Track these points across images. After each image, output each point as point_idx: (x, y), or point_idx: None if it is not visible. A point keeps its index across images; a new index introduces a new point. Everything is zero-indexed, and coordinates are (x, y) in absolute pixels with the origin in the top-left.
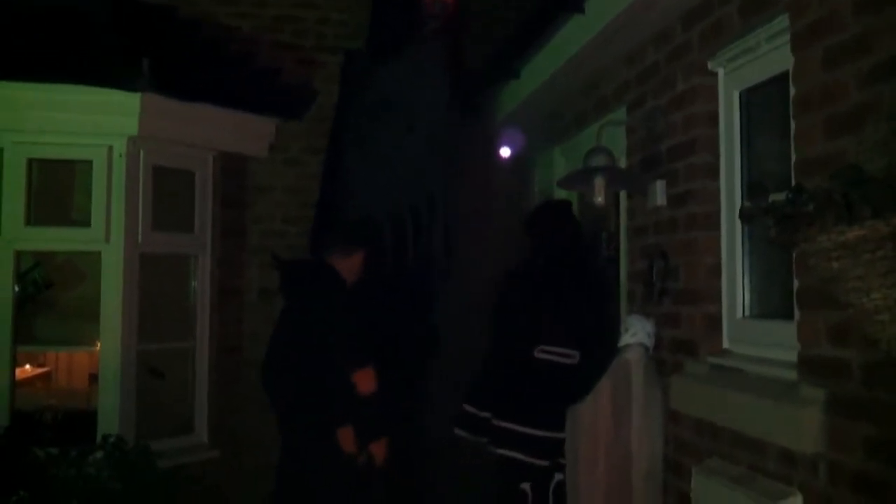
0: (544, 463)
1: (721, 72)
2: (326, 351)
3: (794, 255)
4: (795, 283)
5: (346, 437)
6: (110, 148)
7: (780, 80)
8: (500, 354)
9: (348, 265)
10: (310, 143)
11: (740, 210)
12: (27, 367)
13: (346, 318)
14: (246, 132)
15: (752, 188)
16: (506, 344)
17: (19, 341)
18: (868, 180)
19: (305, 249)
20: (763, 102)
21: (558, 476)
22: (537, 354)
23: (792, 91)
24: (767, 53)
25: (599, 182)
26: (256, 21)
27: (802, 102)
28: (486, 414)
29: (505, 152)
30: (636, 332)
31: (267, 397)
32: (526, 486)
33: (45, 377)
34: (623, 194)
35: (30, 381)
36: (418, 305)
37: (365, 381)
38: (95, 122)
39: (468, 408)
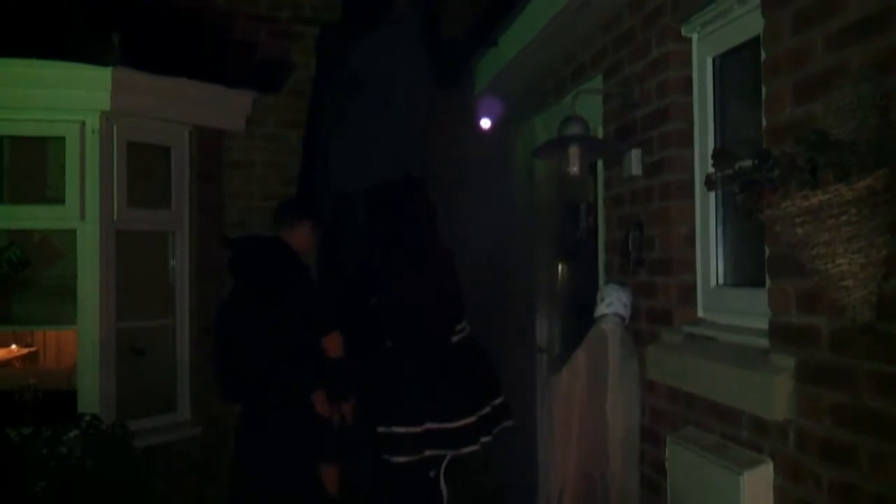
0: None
1: (695, 37)
2: (292, 321)
3: (763, 222)
4: (766, 251)
5: (320, 400)
6: (83, 124)
7: (753, 44)
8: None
9: (297, 238)
10: (288, 118)
11: (706, 177)
12: (13, 346)
13: (307, 286)
14: (222, 106)
15: (717, 155)
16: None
17: None
18: (832, 144)
19: None
20: (736, 68)
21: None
22: (454, 339)
23: (763, 55)
24: (740, 17)
25: (573, 152)
26: None
27: (772, 67)
28: (428, 426)
29: (485, 123)
30: (612, 302)
31: (219, 379)
32: (433, 472)
33: (31, 357)
34: (601, 164)
35: (11, 361)
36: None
37: (334, 346)
38: (67, 98)
39: (396, 430)
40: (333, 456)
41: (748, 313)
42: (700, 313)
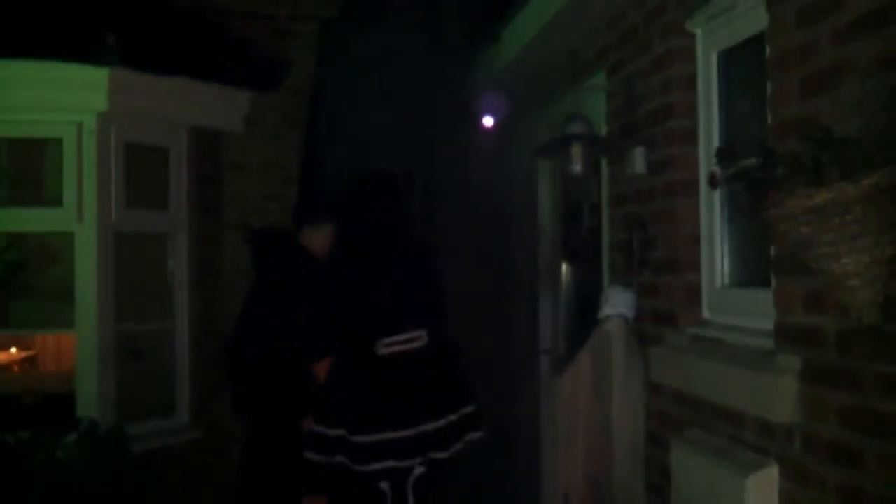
0: (415, 461)
1: (699, 32)
2: (291, 341)
3: (767, 221)
4: (771, 250)
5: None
6: (80, 125)
7: (758, 40)
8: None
9: (320, 239)
10: (287, 117)
11: (709, 176)
12: (13, 350)
13: (309, 312)
14: (220, 106)
15: (721, 153)
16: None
17: None
18: (838, 141)
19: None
20: (741, 64)
21: (419, 470)
22: (381, 351)
23: (767, 51)
24: (745, 13)
25: (576, 150)
26: None
27: (777, 63)
28: (338, 432)
29: (488, 121)
30: (616, 304)
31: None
32: (385, 485)
33: (31, 360)
34: (604, 162)
35: (10, 365)
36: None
37: (322, 372)
38: (63, 99)
39: (317, 428)
40: (319, 488)
41: (753, 314)
42: (705, 314)
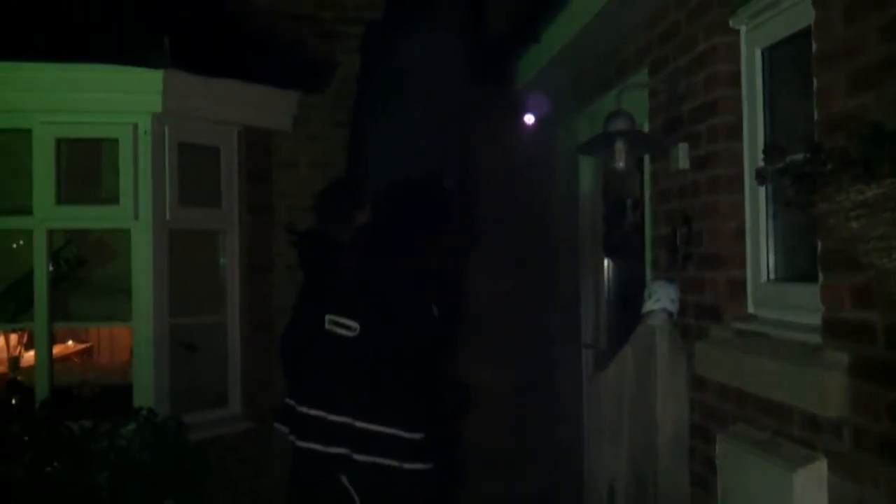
0: (418, 466)
1: (743, 29)
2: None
3: (815, 216)
4: (819, 245)
5: None
6: (135, 126)
7: (803, 35)
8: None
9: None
10: (333, 117)
11: (756, 171)
12: (70, 342)
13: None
14: (269, 107)
15: (769, 149)
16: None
17: (55, 318)
18: (887, 137)
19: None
20: (786, 60)
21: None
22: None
23: (814, 47)
24: (789, 8)
25: (620, 147)
26: None
27: (824, 58)
28: (341, 418)
29: (529, 119)
30: (660, 298)
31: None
32: (345, 478)
33: (87, 353)
34: (647, 159)
35: (70, 356)
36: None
37: None
38: (120, 101)
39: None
40: None
41: (800, 308)
42: (750, 309)
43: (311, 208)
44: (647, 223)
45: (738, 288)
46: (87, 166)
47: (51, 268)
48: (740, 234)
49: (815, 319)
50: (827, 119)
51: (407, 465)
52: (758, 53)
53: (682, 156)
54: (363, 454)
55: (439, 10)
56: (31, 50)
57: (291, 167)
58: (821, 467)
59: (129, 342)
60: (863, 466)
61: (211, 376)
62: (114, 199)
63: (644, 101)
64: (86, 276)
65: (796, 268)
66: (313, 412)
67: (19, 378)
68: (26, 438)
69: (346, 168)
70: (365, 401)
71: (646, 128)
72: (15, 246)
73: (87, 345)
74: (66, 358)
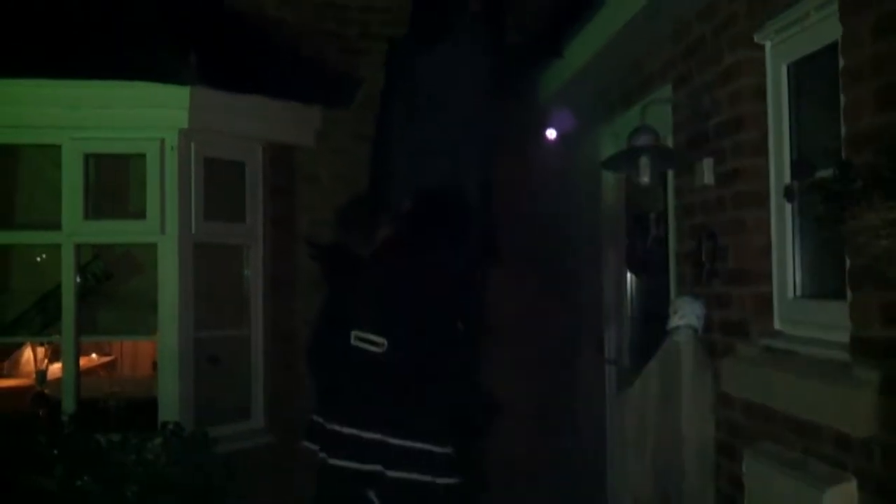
0: (449, 480)
1: (768, 44)
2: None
3: (845, 233)
4: (847, 262)
5: None
6: (162, 141)
7: (830, 51)
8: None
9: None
10: (356, 132)
11: (785, 188)
12: (93, 355)
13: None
14: (293, 122)
15: (797, 165)
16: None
17: (82, 331)
18: None
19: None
20: (812, 75)
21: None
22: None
23: (841, 62)
24: (816, 23)
25: (644, 162)
26: (300, 10)
27: (852, 74)
28: (374, 435)
29: (551, 135)
30: (685, 315)
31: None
32: (371, 493)
33: (110, 366)
34: (671, 173)
35: (95, 369)
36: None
37: None
38: (147, 117)
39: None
40: None
41: (827, 326)
42: (777, 325)
43: (333, 222)
44: (671, 238)
45: (765, 304)
46: (114, 181)
47: (78, 281)
48: (766, 250)
49: (843, 337)
50: (854, 135)
51: (440, 480)
52: (784, 68)
53: (707, 171)
54: (396, 470)
55: (462, 27)
56: (60, 68)
57: (314, 181)
58: (850, 487)
59: (150, 355)
60: (893, 486)
61: (234, 389)
62: (140, 214)
63: (668, 115)
64: (112, 289)
65: (823, 284)
66: (346, 430)
67: (46, 391)
68: (55, 451)
69: (368, 183)
70: (396, 417)
71: (669, 143)
72: (39, 260)
73: (111, 358)
74: (90, 371)
